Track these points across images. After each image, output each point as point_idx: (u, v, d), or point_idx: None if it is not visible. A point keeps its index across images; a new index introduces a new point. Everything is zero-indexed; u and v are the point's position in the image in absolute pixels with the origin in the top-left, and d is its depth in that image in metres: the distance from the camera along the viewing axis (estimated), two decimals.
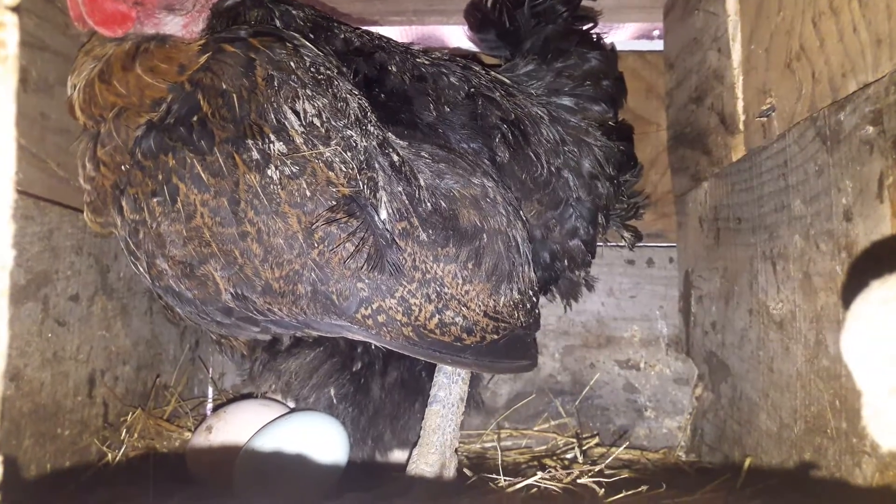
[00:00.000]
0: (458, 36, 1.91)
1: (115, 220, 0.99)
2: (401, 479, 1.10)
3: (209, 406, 1.63)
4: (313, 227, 0.93)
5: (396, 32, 1.91)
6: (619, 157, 1.37)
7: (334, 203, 0.94)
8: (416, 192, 1.02)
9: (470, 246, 1.04)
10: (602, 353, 1.62)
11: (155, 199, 0.93)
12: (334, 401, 1.11)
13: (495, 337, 1.08)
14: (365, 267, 0.95)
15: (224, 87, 0.95)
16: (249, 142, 0.92)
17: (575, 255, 1.29)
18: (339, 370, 1.10)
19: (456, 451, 1.13)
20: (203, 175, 0.92)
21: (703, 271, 1.42)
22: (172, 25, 1.03)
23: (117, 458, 1.26)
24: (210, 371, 1.69)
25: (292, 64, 0.99)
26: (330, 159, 0.95)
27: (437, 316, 1.01)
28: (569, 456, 1.37)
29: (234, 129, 0.93)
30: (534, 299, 1.16)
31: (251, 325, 1.00)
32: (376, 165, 0.99)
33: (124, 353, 1.39)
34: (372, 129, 1.02)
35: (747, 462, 1.02)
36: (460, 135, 1.18)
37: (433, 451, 1.08)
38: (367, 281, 0.96)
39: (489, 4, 1.44)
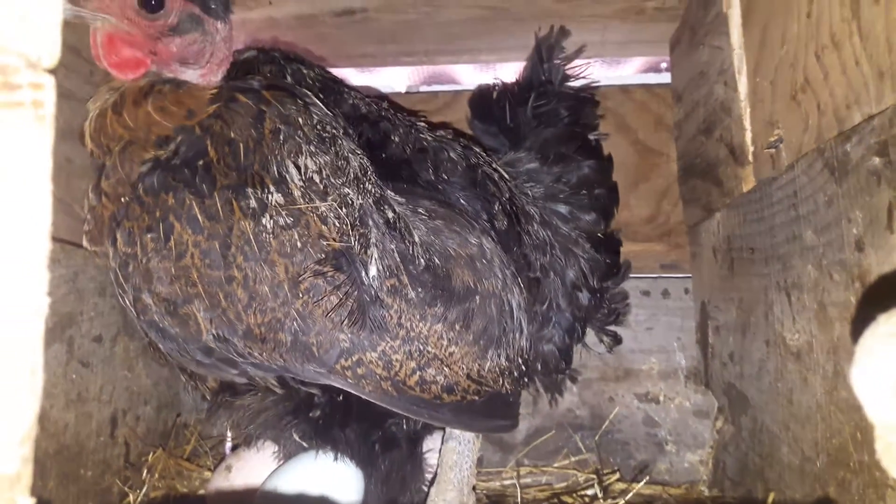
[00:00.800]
0: (467, 73, 1.95)
1: (108, 250, 1.01)
2: None
3: (228, 445, 1.64)
4: (300, 278, 0.94)
5: (409, 71, 1.96)
6: (604, 270, 1.38)
7: (323, 256, 0.95)
8: (410, 248, 1.03)
9: (460, 307, 1.05)
10: (621, 386, 1.62)
11: (149, 235, 0.95)
12: (304, 444, 1.10)
13: (476, 398, 1.08)
14: (347, 321, 0.96)
15: (232, 135, 0.98)
16: (249, 190, 0.95)
17: (548, 360, 1.29)
18: (291, 413, 1.08)
19: (474, 488, 1.13)
20: (199, 217, 0.94)
21: (719, 302, 1.42)
22: (190, 74, 1.07)
23: (139, 500, 1.27)
24: None
25: (300, 120, 1.02)
26: (325, 214, 0.97)
27: (418, 373, 1.01)
28: (589, 492, 1.36)
29: (237, 177, 0.95)
30: (522, 368, 1.14)
31: (230, 366, 1.00)
32: (370, 223, 1.01)
33: (145, 393, 1.41)
34: (370, 187, 1.04)
35: (770, 498, 1.00)
36: (460, 195, 1.21)
37: (451, 489, 1.08)
38: (348, 334, 0.97)
39: (494, 97, 1.47)
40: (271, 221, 0.94)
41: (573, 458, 1.56)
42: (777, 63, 1.07)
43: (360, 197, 1.01)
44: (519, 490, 1.10)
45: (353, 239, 0.98)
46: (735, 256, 1.31)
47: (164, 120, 1.00)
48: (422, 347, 1.01)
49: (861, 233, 0.83)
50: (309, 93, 1.07)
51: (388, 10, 1.56)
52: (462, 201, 1.19)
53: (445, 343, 1.03)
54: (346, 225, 0.98)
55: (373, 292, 0.98)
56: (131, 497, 1.26)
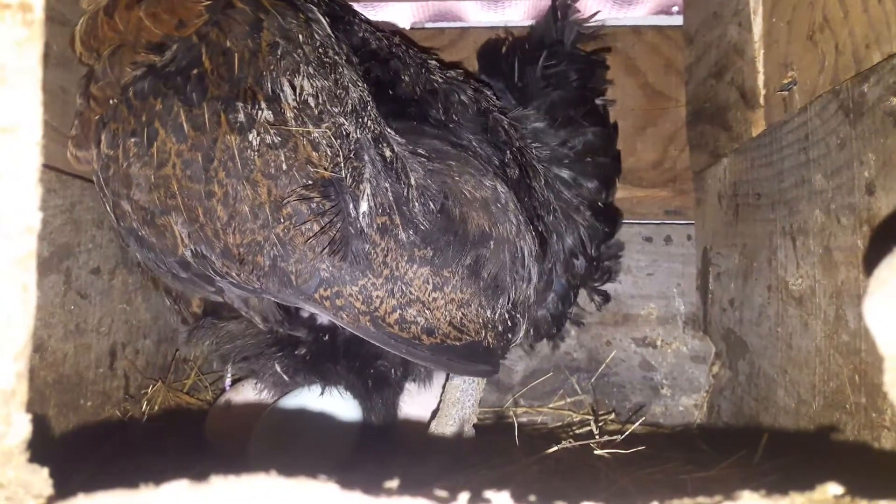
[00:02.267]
0: (474, 11, 1.89)
1: (92, 153, 0.98)
2: (417, 447, 1.11)
3: (228, 381, 1.65)
4: (283, 201, 0.92)
5: (413, 8, 1.89)
6: (601, 238, 1.36)
7: (310, 183, 0.92)
8: (406, 190, 1.01)
9: (457, 253, 1.03)
10: (619, 330, 1.62)
11: (132, 139, 0.92)
12: (285, 377, 1.10)
13: (456, 343, 1.06)
14: (327, 251, 0.93)
15: (228, 44, 0.94)
16: (239, 104, 0.92)
17: (540, 325, 1.27)
18: (275, 344, 1.07)
19: (474, 426, 1.14)
20: (185, 126, 0.91)
21: (722, 248, 1.41)
22: None
23: (139, 431, 1.29)
24: None
25: (301, 37, 0.98)
26: (317, 140, 0.94)
27: (399, 312, 0.99)
28: (584, 431, 1.37)
29: (228, 90, 0.92)
30: (508, 324, 1.11)
31: (207, 283, 0.99)
32: (366, 158, 0.98)
33: (145, 327, 1.41)
34: (369, 122, 1.01)
35: (764, 438, 1.02)
36: (472, 138, 1.18)
37: (451, 424, 1.09)
38: (328, 265, 0.94)
39: (503, 52, 1.43)
40: (258, 139, 0.91)
41: (569, 400, 1.58)
42: (795, 2, 1.03)
43: (357, 130, 0.98)
44: (516, 425, 1.11)
45: (344, 171, 0.95)
46: (740, 202, 1.30)
47: (154, 27, 0.96)
48: (405, 289, 0.99)
49: (873, 175, 0.81)
50: (314, 8, 1.03)
51: None
52: (474, 144, 1.16)
53: (430, 288, 1.01)
54: (339, 156, 0.95)
55: (359, 226, 0.95)
56: (131, 428, 1.28)
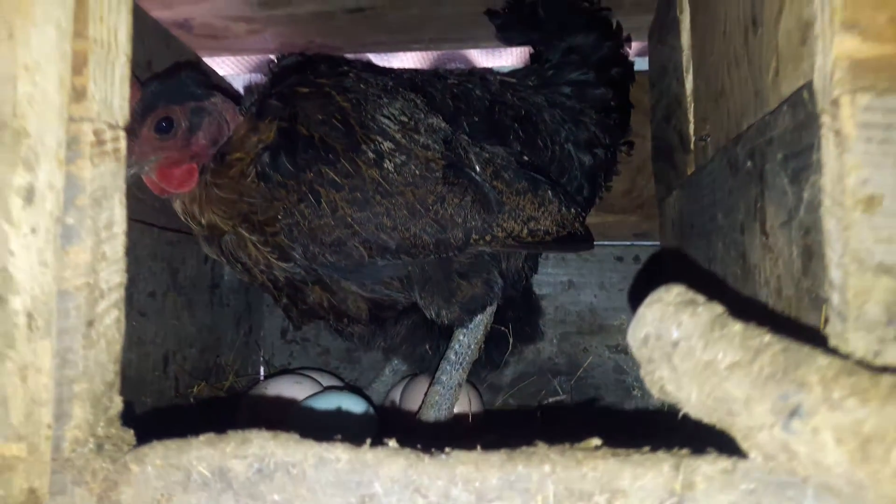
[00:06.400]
0: (478, 55, 2.14)
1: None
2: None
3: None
4: (427, 195, 1.24)
5: (423, 54, 2.16)
6: (613, 129, 1.64)
7: (439, 174, 1.25)
8: (483, 154, 1.34)
9: (535, 185, 1.37)
10: (594, 338, 1.85)
11: (302, 205, 1.21)
12: (429, 353, 1.47)
13: (564, 234, 1.41)
14: (473, 210, 1.27)
15: (320, 117, 1.23)
16: (364, 147, 1.22)
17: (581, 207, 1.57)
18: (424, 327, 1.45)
19: (451, 428, 1.38)
20: (337, 179, 1.20)
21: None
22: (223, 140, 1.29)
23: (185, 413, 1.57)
24: (262, 352, 2.00)
25: (362, 86, 1.29)
26: (425, 143, 1.26)
27: (528, 227, 1.34)
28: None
29: (349, 142, 1.22)
30: (582, 216, 1.47)
31: (394, 265, 1.31)
32: (457, 138, 1.31)
33: (190, 338, 1.70)
34: (440, 116, 1.34)
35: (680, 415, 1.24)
36: (487, 142, 1.44)
37: (430, 423, 1.34)
38: (472, 220, 1.27)
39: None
40: (391, 164, 1.22)
41: (551, 399, 1.82)
42: (708, 69, 1.26)
43: (440, 122, 1.32)
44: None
45: (453, 153, 1.28)
46: (685, 231, 1.52)
47: (237, 186, 1.24)
48: (523, 211, 1.33)
49: (742, 220, 1.04)
50: (346, 67, 1.34)
51: (393, 7, 1.77)
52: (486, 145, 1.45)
53: (537, 205, 1.35)
54: (442, 145, 1.28)
55: (485, 183, 1.29)
56: (181, 418, 1.56)
